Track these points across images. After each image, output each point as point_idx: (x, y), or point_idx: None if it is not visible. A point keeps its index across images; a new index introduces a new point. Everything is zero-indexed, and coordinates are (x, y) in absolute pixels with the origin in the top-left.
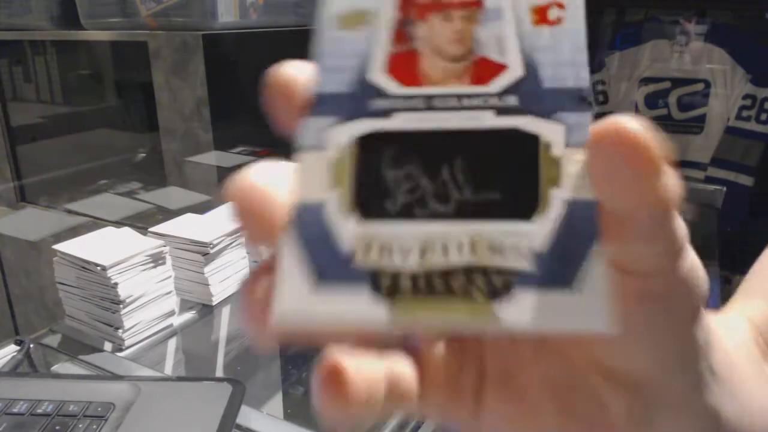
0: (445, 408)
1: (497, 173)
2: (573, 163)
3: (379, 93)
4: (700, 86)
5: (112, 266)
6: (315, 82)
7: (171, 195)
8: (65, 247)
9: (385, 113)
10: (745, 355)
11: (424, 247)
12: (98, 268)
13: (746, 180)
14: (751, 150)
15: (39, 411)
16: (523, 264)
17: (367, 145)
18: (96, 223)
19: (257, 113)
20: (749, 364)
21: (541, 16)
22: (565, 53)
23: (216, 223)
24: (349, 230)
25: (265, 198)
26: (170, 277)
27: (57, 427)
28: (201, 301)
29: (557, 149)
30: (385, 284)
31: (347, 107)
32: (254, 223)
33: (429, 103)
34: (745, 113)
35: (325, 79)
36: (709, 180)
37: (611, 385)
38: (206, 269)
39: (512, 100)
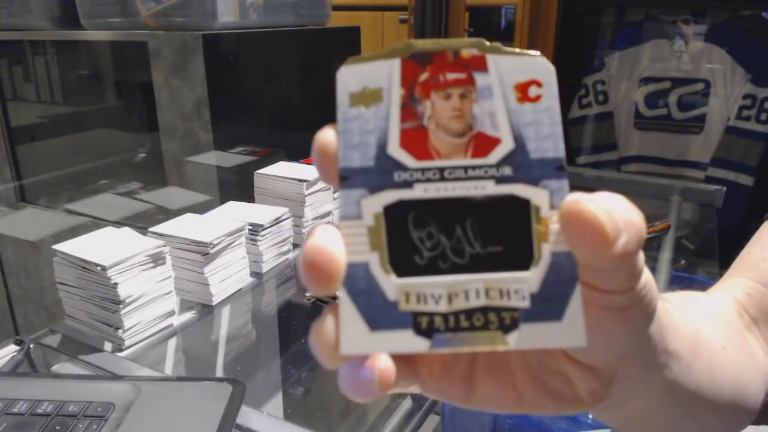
0: (441, 391)
1: (500, 231)
2: (556, 222)
3: (399, 166)
4: (699, 86)
5: (112, 266)
6: (342, 157)
7: (171, 195)
8: (65, 247)
9: (406, 184)
10: (725, 330)
11: (450, 294)
12: (98, 268)
13: (746, 180)
14: (751, 150)
15: (39, 411)
16: (524, 304)
17: (395, 212)
18: (96, 223)
19: (257, 113)
20: (726, 337)
21: (523, 93)
22: (545, 127)
23: (216, 223)
24: (392, 284)
25: (328, 258)
26: (170, 277)
27: (57, 427)
28: (201, 301)
29: (544, 211)
30: (424, 324)
31: (374, 180)
32: (320, 277)
33: (441, 175)
34: (745, 113)
35: (352, 155)
36: (709, 180)
37: (577, 369)
38: (206, 269)
39: (507, 170)
